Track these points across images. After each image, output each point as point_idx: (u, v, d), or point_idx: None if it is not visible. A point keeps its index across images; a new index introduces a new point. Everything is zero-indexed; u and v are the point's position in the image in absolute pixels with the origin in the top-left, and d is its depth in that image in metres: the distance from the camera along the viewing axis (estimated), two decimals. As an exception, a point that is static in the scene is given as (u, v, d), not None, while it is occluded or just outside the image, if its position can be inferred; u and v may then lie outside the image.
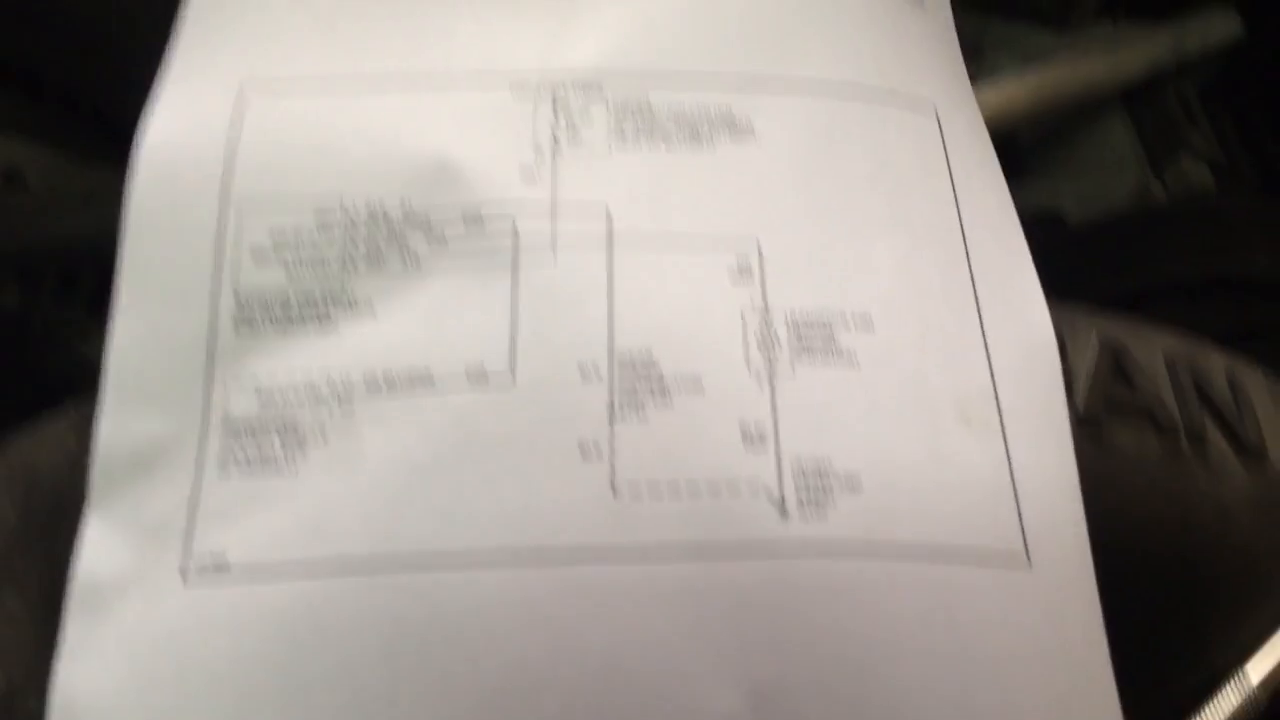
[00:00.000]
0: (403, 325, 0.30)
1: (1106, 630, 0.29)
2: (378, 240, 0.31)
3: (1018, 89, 0.45)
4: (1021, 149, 0.53)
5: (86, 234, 0.38)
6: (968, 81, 0.38)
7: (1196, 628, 0.34)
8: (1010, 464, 0.30)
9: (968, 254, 0.33)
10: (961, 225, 0.33)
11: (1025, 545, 0.29)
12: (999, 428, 0.30)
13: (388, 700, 0.27)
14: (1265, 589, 0.34)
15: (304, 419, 0.29)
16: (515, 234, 0.31)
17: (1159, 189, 0.53)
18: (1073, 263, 0.49)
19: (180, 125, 0.32)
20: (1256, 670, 0.33)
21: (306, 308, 0.30)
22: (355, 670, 0.27)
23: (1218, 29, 0.53)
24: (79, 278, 0.45)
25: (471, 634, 0.27)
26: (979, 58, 0.56)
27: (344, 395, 0.29)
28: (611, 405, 0.29)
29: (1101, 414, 0.32)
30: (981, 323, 0.32)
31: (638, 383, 0.29)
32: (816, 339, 0.30)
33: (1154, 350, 0.34)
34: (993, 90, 0.45)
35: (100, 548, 0.29)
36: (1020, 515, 0.29)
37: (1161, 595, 0.33)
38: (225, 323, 0.30)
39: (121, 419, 0.30)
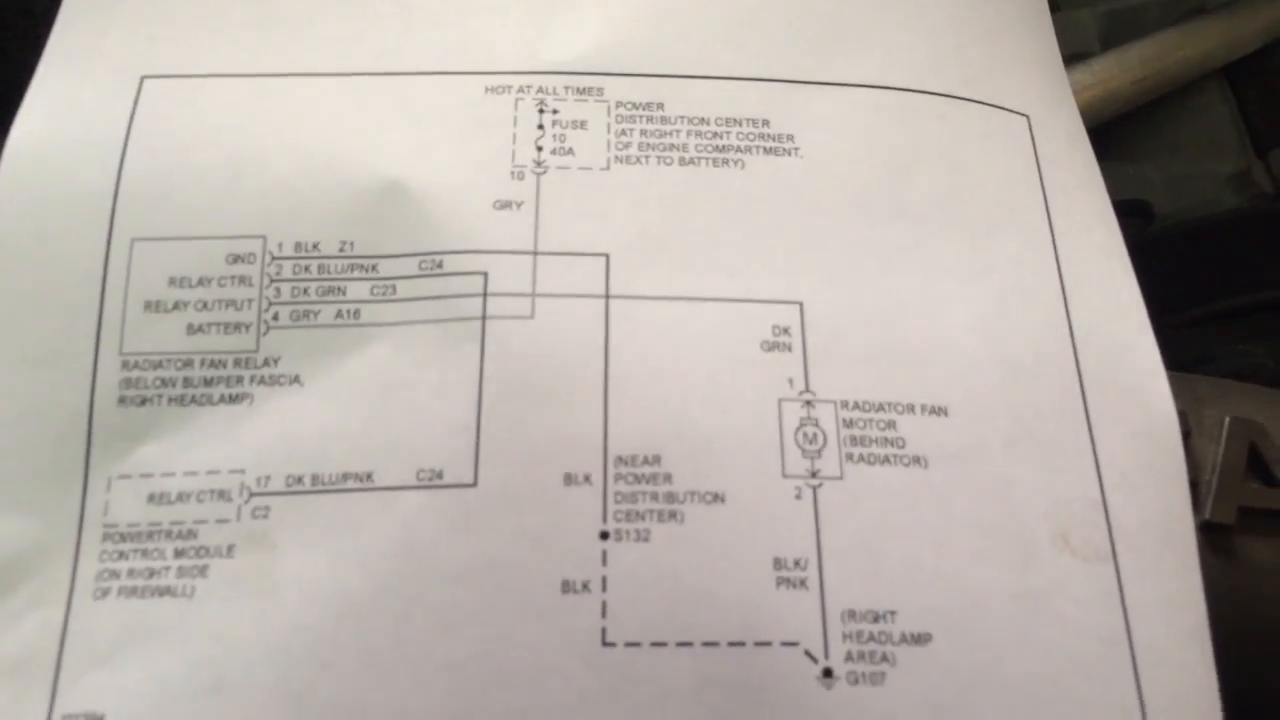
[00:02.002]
0: (336, 404, 0.23)
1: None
2: (307, 288, 0.24)
3: (1119, 70, 0.37)
4: (1102, 129, 0.45)
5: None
6: (1064, 76, 0.30)
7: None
8: (1124, 604, 0.23)
9: (1068, 314, 0.25)
10: (1060, 275, 0.26)
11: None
12: (1109, 552, 0.23)
13: None
14: None
15: (206, 528, 0.23)
16: (485, 285, 0.24)
17: (1263, 175, 0.45)
18: (1164, 268, 0.42)
19: (58, 133, 0.25)
20: None
21: (214, 378, 0.24)
22: None
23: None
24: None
25: None
26: (1053, 12, 0.48)
27: (258, 498, 0.23)
28: (604, 523, 0.22)
29: (1233, 520, 0.25)
30: (1086, 406, 0.24)
31: (639, 493, 0.22)
32: (874, 433, 0.23)
33: (1297, 431, 0.27)
34: (1089, 74, 0.37)
35: None
36: (1138, 681, 0.22)
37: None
38: (108, 396, 0.23)
39: (-25, 522, 0.23)
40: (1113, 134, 0.46)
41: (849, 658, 0.22)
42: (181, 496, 0.23)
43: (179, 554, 0.22)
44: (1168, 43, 0.39)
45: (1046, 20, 0.31)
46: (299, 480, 0.23)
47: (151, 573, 0.22)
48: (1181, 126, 0.46)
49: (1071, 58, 0.41)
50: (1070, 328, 0.25)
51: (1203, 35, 0.39)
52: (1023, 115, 0.28)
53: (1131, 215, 0.45)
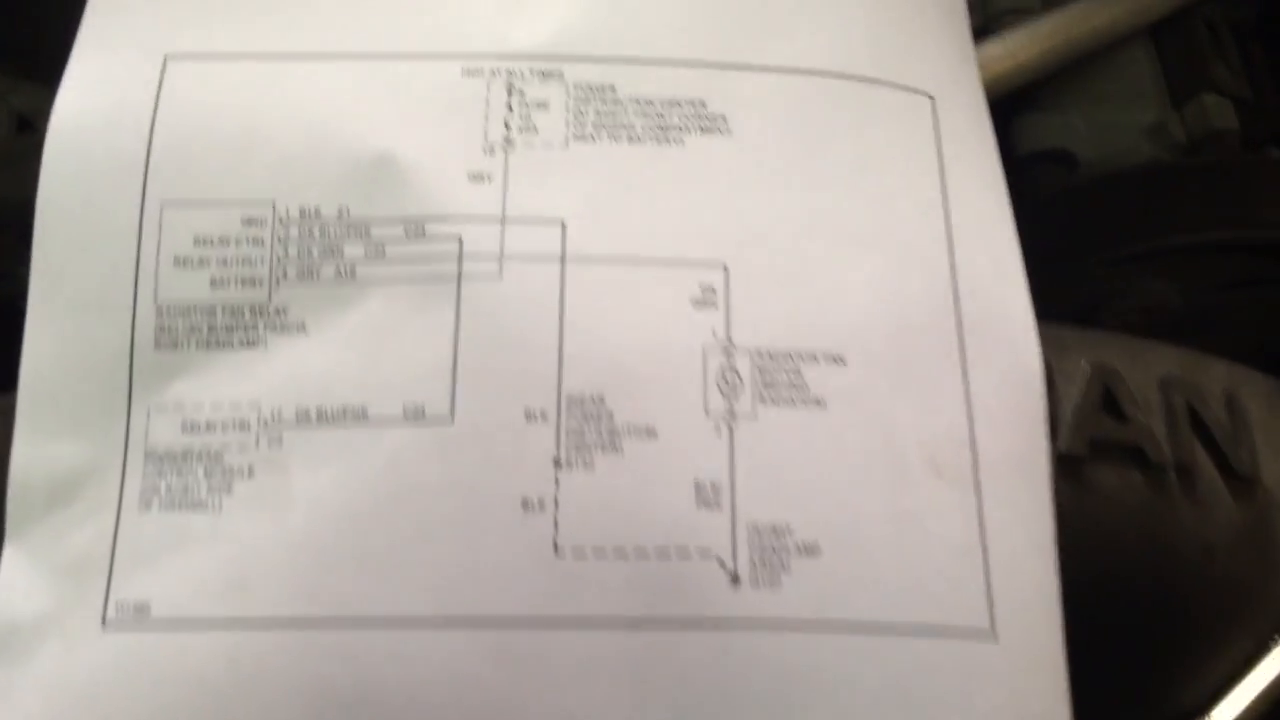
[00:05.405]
0: (336, 350, 0.28)
1: (1074, 689, 0.28)
2: (311, 248, 0.28)
3: (1029, 42, 0.41)
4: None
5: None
6: (973, 60, 0.34)
7: (1170, 668, 0.32)
8: (982, 523, 0.28)
9: (954, 274, 0.30)
10: (950, 240, 0.30)
11: (992, 619, 0.27)
12: (972, 479, 0.28)
13: None
14: (1243, 622, 0.33)
15: (230, 452, 0.27)
16: (460, 249, 0.28)
17: (1177, 126, 0.49)
18: (1081, 216, 0.46)
19: (96, 105, 0.29)
20: (1224, 714, 0.32)
21: (234, 325, 0.28)
22: None
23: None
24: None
25: (399, 697, 0.26)
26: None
27: (273, 428, 0.27)
28: (558, 452, 0.27)
29: (1085, 452, 0.30)
30: (963, 356, 0.29)
31: (586, 428, 0.27)
32: (782, 379, 0.28)
33: (1149, 375, 0.32)
34: (1000, 46, 0.41)
35: (17, 586, 0.27)
36: (989, 586, 0.27)
37: (1135, 637, 0.32)
38: (146, 339, 0.28)
39: (37, 444, 0.28)
40: (1042, 85, 0.49)
41: (752, 564, 0.27)
42: (209, 426, 0.28)
43: (208, 474, 0.27)
44: (1075, 15, 0.43)
45: (960, 4, 0.35)
46: (306, 414, 0.27)
47: (186, 489, 0.27)
48: (1107, 78, 0.50)
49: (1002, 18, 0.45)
50: (955, 286, 0.30)
51: (1109, 7, 0.43)
52: (928, 95, 0.32)
53: (1055, 162, 0.49)
